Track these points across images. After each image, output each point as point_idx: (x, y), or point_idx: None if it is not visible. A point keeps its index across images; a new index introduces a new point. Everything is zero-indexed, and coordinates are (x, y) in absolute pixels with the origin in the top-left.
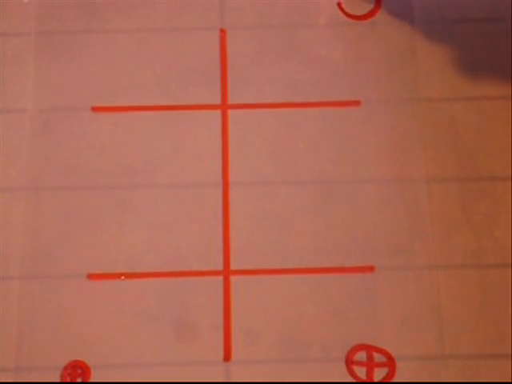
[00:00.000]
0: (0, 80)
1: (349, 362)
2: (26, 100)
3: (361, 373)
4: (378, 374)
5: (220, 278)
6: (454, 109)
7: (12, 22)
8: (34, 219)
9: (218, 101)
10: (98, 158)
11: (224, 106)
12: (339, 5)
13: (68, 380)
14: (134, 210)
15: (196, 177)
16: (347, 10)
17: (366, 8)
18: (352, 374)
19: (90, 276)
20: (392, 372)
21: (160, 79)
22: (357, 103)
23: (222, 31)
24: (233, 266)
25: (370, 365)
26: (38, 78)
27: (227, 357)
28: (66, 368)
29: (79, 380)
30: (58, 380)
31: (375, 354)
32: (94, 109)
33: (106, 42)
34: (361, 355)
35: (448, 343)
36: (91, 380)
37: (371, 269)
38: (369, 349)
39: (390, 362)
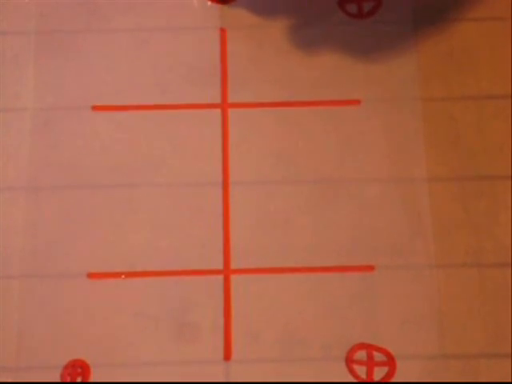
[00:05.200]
0: (0, 79)
1: (349, 361)
2: (25, 99)
3: (361, 372)
4: (378, 373)
5: (220, 277)
6: (454, 108)
7: (12, 21)
8: (33, 218)
9: (218, 100)
10: (98, 157)
11: (224, 105)
12: (339, 4)
13: (68, 379)
14: (135, 209)
15: (196, 176)
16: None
17: (367, 7)
18: (352, 373)
19: (90, 275)
20: (392, 371)
21: (160, 78)
22: (357, 102)
23: (222, 30)
24: (233, 265)
25: (370, 364)
26: (38, 76)
27: (227, 356)
28: (66, 367)
29: (79, 379)
30: (58, 379)
31: (375, 353)
32: (94, 108)
33: (106, 41)
34: (361, 354)
35: (448, 342)
36: (91, 379)
37: (371, 268)
38: (369, 348)
39: (390, 361)
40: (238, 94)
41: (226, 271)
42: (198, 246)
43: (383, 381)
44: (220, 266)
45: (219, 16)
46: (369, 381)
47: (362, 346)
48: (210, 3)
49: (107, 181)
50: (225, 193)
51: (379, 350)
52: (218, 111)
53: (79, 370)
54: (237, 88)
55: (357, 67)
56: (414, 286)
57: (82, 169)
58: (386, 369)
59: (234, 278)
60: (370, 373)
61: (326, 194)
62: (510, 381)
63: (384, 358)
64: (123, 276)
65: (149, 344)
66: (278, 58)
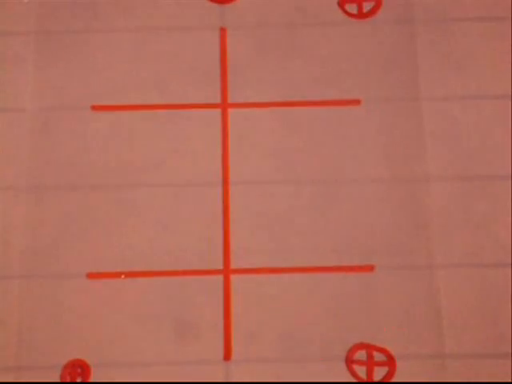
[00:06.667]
0: (0, 79)
1: (349, 361)
2: (25, 99)
3: (361, 372)
4: (378, 373)
5: (220, 277)
6: (454, 108)
7: (12, 22)
8: (33, 219)
9: (217, 100)
10: (97, 157)
11: (224, 105)
12: (339, 4)
13: (68, 379)
14: (134, 209)
15: (196, 176)
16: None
17: (367, 8)
18: (352, 373)
19: (90, 275)
20: (392, 371)
21: (160, 78)
22: (357, 102)
23: (222, 30)
24: (233, 265)
25: (370, 364)
26: (38, 77)
27: (227, 356)
28: (66, 367)
29: (79, 380)
30: (58, 379)
31: (375, 353)
32: (94, 108)
33: (105, 41)
34: (361, 354)
35: (448, 342)
36: (91, 379)
37: (371, 268)
38: (369, 348)
39: (390, 361)
40: (238, 93)
41: (226, 271)
42: (198, 246)
43: (383, 381)
44: (220, 266)
45: (219, 16)
46: (369, 381)
47: (361, 345)
48: (210, 3)
49: (107, 181)
50: (225, 193)
51: (379, 349)
52: (217, 111)
53: (79, 370)
54: (237, 88)
55: (357, 67)
56: (413, 286)
57: (81, 169)
58: (386, 369)
59: (233, 277)
60: (370, 373)
61: (326, 194)
62: (510, 381)
63: (384, 358)
64: (123, 276)
65: (148, 344)
66: (278, 58)
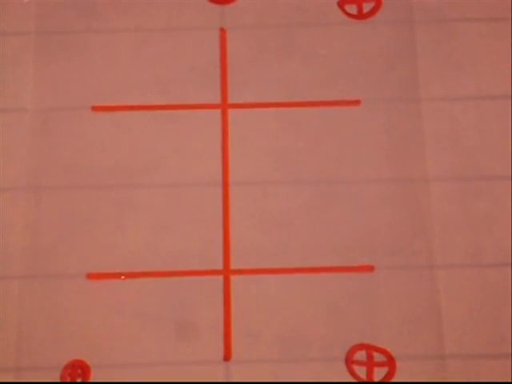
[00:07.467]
0: (0, 79)
1: (349, 362)
2: (25, 99)
3: (361, 372)
4: (378, 374)
5: (220, 278)
6: (454, 108)
7: (12, 22)
8: (33, 219)
9: (217, 100)
10: (97, 158)
11: (224, 106)
12: (339, 5)
13: (68, 380)
14: (134, 210)
15: (196, 176)
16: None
17: (366, 8)
18: (352, 373)
19: (90, 276)
20: (392, 371)
21: (160, 78)
22: (357, 103)
23: (222, 31)
24: (233, 266)
25: (370, 364)
26: (38, 77)
27: (227, 356)
28: (66, 367)
29: (79, 380)
30: (58, 380)
31: (375, 354)
32: (94, 108)
33: (105, 41)
34: (361, 355)
35: (448, 343)
36: (91, 380)
37: (371, 268)
38: (369, 348)
39: (390, 362)
40: (238, 94)
41: (226, 271)
42: (198, 247)
43: (383, 381)
44: (220, 267)
45: (219, 16)
46: (369, 381)
47: (361, 346)
48: (210, 3)
49: (107, 181)
50: (225, 193)
51: (379, 350)
52: (217, 111)
53: (79, 371)
54: (237, 88)
55: (357, 67)
56: (413, 286)
57: (81, 169)
58: (385, 369)
59: (233, 278)
60: (370, 373)
61: (326, 194)
62: (510, 381)
63: (384, 359)
64: (123, 277)
65: (149, 344)
66: (278, 58)
